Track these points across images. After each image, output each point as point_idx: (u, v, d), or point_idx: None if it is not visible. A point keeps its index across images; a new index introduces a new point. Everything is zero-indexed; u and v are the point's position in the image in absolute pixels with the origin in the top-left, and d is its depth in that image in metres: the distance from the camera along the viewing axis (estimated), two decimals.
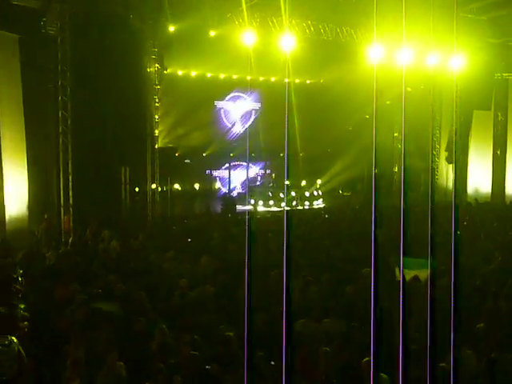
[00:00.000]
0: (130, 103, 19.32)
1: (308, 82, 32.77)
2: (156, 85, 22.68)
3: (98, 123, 18.38)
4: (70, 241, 15.54)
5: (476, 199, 27.23)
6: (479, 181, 31.04)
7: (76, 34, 17.57)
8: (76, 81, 17.75)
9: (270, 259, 12.08)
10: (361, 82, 31.82)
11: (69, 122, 17.74)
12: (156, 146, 22.96)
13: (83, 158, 17.96)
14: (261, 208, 26.53)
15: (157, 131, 23.16)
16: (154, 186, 23.74)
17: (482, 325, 7.44)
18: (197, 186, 30.58)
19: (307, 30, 22.14)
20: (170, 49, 23.48)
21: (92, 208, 17.38)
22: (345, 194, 28.28)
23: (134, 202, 23.77)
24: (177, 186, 29.92)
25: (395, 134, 32.48)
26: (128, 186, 22.13)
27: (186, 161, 30.31)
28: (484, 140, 30.69)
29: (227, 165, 31.32)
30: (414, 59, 28.09)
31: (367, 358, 6.19)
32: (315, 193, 31.03)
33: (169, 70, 27.18)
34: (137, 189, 24.18)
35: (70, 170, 17.72)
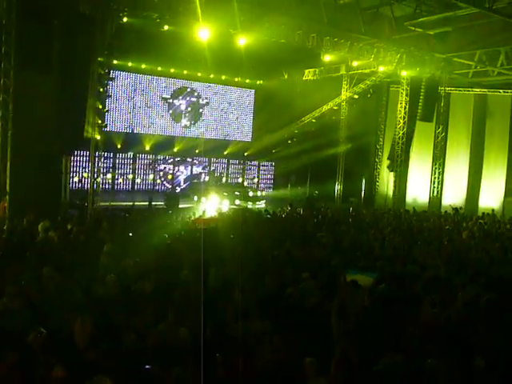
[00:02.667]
0: (74, 90, 18.82)
1: (258, 82, 32.91)
2: (104, 74, 22.19)
3: (40, 109, 17.79)
4: (5, 228, 15.00)
5: (414, 207, 28.01)
6: (418, 189, 31.97)
7: (22, 16, 16.95)
8: (20, 65, 17.13)
9: (212, 257, 12.07)
10: (309, 85, 32.52)
11: (10, 107, 17.11)
12: (98, 137, 22.44)
13: (23, 145, 17.35)
14: (206, 205, 26.42)
15: (100, 121, 22.63)
16: (99, 179, 23.29)
17: (412, 329, 7.60)
18: (138, 180, 30.16)
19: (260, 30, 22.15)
20: (121, 39, 23.10)
21: (30, 197, 16.81)
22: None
23: (74, 192, 23.28)
24: (119, 180, 29.48)
25: (340, 140, 33.03)
26: (68, 176, 21.63)
27: (129, 153, 29.83)
28: (425, 151, 31.66)
29: (172, 160, 31.08)
30: (364, 68, 28.77)
31: (310, 359, 6.27)
32: (259, 193, 31.22)
33: (119, 61, 26.78)
34: (76, 179, 23.70)
35: (8, 157, 17.10)
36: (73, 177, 24.95)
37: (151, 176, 30.74)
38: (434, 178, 31.39)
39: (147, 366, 5.54)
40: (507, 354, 6.94)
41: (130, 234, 15.38)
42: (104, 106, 22.98)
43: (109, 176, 28.90)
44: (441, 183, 31.52)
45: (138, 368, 6.06)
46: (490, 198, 30.02)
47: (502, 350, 7.06)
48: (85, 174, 23.03)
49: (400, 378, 6.27)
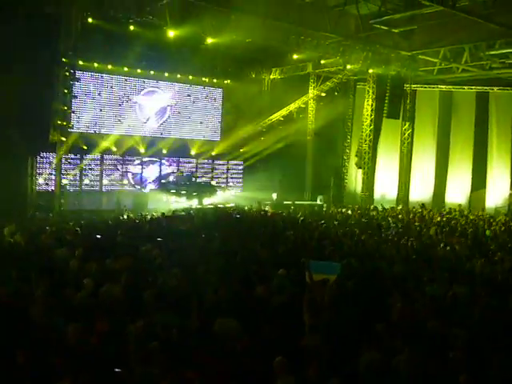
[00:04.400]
0: (38, 91, 18.54)
1: (226, 82, 32.86)
2: (69, 75, 21.89)
3: (4, 110, 17.50)
4: None
5: (382, 204, 28.34)
6: (386, 186, 32.34)
7: None
8: None
9: (183, 258, 12.04)
10: (276, 84, 32.62)
11: None
12: (64, 138, 22.14)
13: None
14: (174, 205, 26.29)
15: (65, 122, 22.32)
16: (64, 181, 22.98)
17: (381, 325, 7.70)
18: (105, 181, 29.83)
19: (227, 30, 22.13)
20: (87, 40, 22.80)
21: None
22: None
23: (40, 194, 22.94)
24: (86, 181, 29.12)
25: (308, 138, 33.22)
26: (35, 178, 21.32)
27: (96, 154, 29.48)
28: (392, 148, 32.04)
29: (140, 160, 30.82)
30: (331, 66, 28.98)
31: (279, 358, 6.29)
32: (227, 192, 31.18)
33: (84, 62, 26.46)
34: (40, 180, 23.34)
35: None
36: (39, 179, 24.49)
37: (118, 177, 30.41)
38: (402, 174, 31.83)
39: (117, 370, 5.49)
40: (475, 346, 7.10)
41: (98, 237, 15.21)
42: (69, 107, 22.70)
43: (75, 177, 28.50)
44: (408, 180, 31.97)
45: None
46: (457, 194, 30.52)
47: (470, 342, 7.22)
48: (63, 180, 22.59)
49: (378, 376, 6.35)
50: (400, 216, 24.56)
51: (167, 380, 5.94)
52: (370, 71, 28.19)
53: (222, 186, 32.35)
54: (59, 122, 21.79)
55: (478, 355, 6.86)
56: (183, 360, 6.30)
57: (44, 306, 8.14)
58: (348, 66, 28.03)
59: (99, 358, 6.40)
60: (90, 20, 21.17)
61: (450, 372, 6.28)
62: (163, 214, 20.89)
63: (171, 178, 30.35)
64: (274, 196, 27.38)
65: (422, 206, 27.28)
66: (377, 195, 32.20)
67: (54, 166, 23.94)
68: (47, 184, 26.41)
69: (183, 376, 6.02)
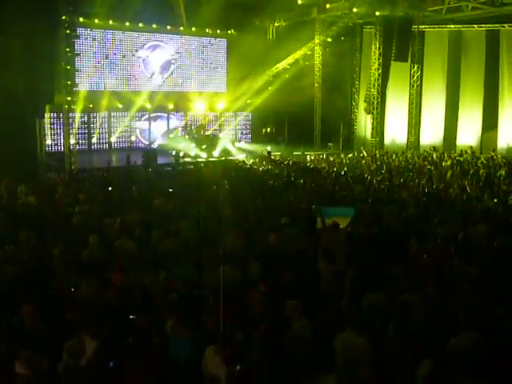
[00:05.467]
0: (41, 51, 18.31)
1: (230, 32, 32.32)
2: (70, 33, 21.60)
3: (8, 73, 17.34)
4: None
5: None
6: (396, 131, 32.06)
7: None
8: None
9: (192, 210, 12.10)
10: (281, 31, 32.03)
11: None
12: (69, 98, 22.04)
13: None
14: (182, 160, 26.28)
15: (70, 81, 22.16)
16: (72, 140, 22.98)
17: (398, 269, 7.75)
18: (113, 138, 29.82)
19: None
20: None
21: (5, 161, 16.56)
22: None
23: (49, 154, 23.00)
24: (94, 140, 29.16)
25: (315, 85, 32.81)
26: (43, 139, 21.31)
27: (102, 112, 29.36)
28: (401, 91, 31.58)
29: (147, 116, 30.70)
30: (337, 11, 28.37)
31: (292, 302, 6.37)
32: (237, 144, 31.04)
33: (85, 19, 26.10)
34: (49, 141, 23.34)
35: None
36: (47, 139, 24.54)
37: (127, 134, 30.38)
38: (411, 118, 31.49)
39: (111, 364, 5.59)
40: (482, 285, 7.14)
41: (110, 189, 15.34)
42: (73, 66, 22.51)
43: (84, 136, 28.51)
44: (418, 123, 31.63)
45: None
46: (468, 135, 30.17)
47: (478, 282, 7.26)
48: (71, 140, 22.62)
49: (381, 314, 6.42)
50: (411, 160, 24.39)
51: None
52: (377, 13, 27.51)
53: (231, 138, 32.19)
54: (64, 82, 21.65)
55: (491, 292, 6.91)
56: (200, 309, 6.38)
57: (61, 263, 8.28)
58: (354, 9, 27.39)
59: (115, 311, 6.51)
60: None
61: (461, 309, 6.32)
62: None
63: (179, 133, 30.20)
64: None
65: (434, 149, 27.03)
66: (387, 140, 31.95)
67: (61, 125, 23.97)
68: (56, 144, 26.52)
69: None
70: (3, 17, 16.69)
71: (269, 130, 33.44)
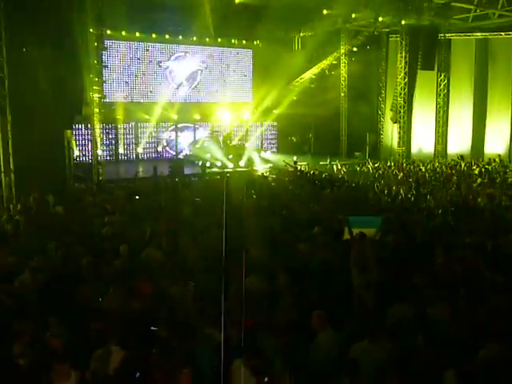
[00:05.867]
0: (69, 64, 18.62)
1: (255, 43, 32.50)
2: (97, 45, 21.96)
3: (36, 85, 17.67)
4: (11, 207, 15.09)
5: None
6: (422, 140, 31.78)
7: None
8: (11, 41, 16.96)
9: (218, 220, 12.13)
10: (307, 41, 32.07)
11: (6, 84, 17.01)
12: (97, 110, 22.38)
13: (23, 122, 17.30)
14: (209, 170, 26.42)
15: (97, 95, 22.50)
16: (100, 151, 23.28)
17: (419, 277, 7.66)
18: (140, 149, 30.12)
19: None
20: (113, 9, 22.79)
21: (35, 173, 16.84)
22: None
23: (77, 166, 23.31)
24: (121, 150, 29.49)
25: (342, 95, 32.75)
26: (72, 150, 21.63)
27: (130, 123, 29.69)
28: (428, 100, 31.32)
29: (173, 127, 30.95)
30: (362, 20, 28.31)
31: (318, 311, 6.34)
32: (263, 154, 31.01)
33: (112, 31, 26.51)
34: (76, 152, 23.64)
35: (9, 135, 17.08)
36: (75, 151, 24.91)
37: (154, 145, 30.69)
38: (438, 127, 31.20)
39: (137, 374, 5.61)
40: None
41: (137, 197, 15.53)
42: (100, 78, 22.84)
43: (111, 147, 28.88)
44: (445, 132, 31.31)
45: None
46: (496, 144, 29.76)
47: (508, 292, 7.14)
48: (98, 151, 22.98)
49: (408, 325, 6.34)
50: (438, 169, 24.14)
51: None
52: (403, 22, 27.37)
53: (257, 147, 32.24)
54: (92, 93, 21.99)
55: None
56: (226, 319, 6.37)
57: (90, 273, 8.38)
58: (379, 19, 27.29)
59: (143, 321, 6.55)
60: None
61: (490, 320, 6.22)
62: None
63: (205, 144, 30.36)
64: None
65: (461, 157, 26.72)
66: (414, 149, 31.69)
67: (89, 137, 24.34)
68: (84, 155, 26.89)
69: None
70: (33, 29, 17.02)
71: (294, 139, 33.41)
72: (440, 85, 30.61)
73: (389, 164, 26.73)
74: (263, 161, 28.79)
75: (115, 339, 5.94)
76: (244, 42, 32.46)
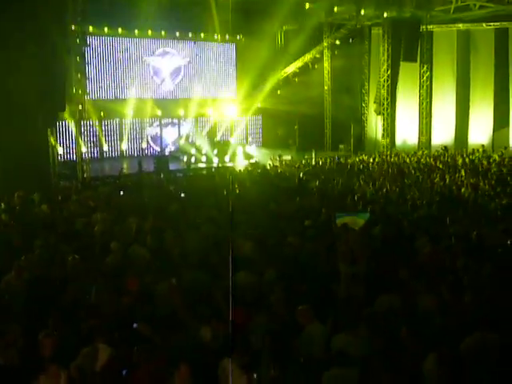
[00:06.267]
0: (51, 61, 18.47)
1: (238, 37, 32.46)
2: (80, 42, 21.77)
3: (20, 84, 17.50)
4: None
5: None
6: (407, 131, 31.95)
7: None
8: None
9: (205, 216, 12.14)
10: (290, 35, 32.07)
11: None
12: (80, 107, 22.22)
13: (6, 121, 17.15)
14: (194, 165, 26.39)
15: (80, 92, 22.35)
16: (84, 148, 23.13)
17: (405, 271, 7.71)
18: (124, 146, 29.96)
19: None
20: (94, 5, 22.61)
21: (19, 171, 16.72)
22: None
23: (62, 164, 23.17)
24: (105, 148, 29.32)
25: (325, 88, 32.81)
26: (55, 149, 21.50)
27: (113, 119, 29.52)
28: (411, 92, 31.49)
29: (158, 123, 30.83)
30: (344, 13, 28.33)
31: (303, 306, 6.36)
32: (249, 150, 30.98)
33: (94, 28, 26.33)
34: (60, 150, 23.49)
35: None
36: (63, 148, 24.83)
37: (139, 141, 30.55)
38: (422, 118, 31.38)
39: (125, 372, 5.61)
40: (495, 288, 7.10)
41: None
42: (83, 75, 22.68)
43: (95, 144, 28.67)
44: (429, 124, 31.50)
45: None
46: (480, 134, 30.02)
47: (490, 284, 7.23)
48: (82, 148, 22.89)
49: (396, 317, 6.40)
50: (422, 160, 24.30)
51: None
52: (385, 15, 27.47)
53: (242, 142, 32.21)
54: (75, 90, 21.83)
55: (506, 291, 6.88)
56: (214, 314, 6.38)
57: (75, 271, 8.35)
58: (361, 12, 27.36)
59: (131, 318, 6.54)
60: None
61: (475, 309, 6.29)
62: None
63: (190, 139, 30.27)
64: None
65: (445, 148, 26.91)
66: (398, 141, 31.85)
67: (72, 134, 24.20)
68: (68, 153, 26.71)
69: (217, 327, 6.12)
70: (12, 27, 16.86)
71: (279, 132, 33.42)
72: (423, 76, 30.77)
73: (373, 156, 26.85)
74: (248, 155, 28.77)
75: (102, 337, 5.94)
76: (227, 36, 32.36)
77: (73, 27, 21.14)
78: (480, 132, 30.09)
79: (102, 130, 28.97)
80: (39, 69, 17.91)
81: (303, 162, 24.99)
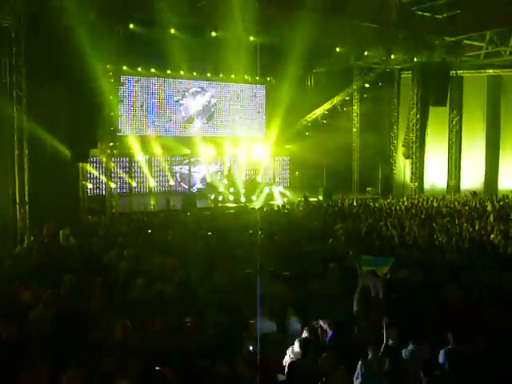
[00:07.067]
0: (87, 99, 18.95)
1: (268, 78, 32.96)
2: (114, 80, 22.32)
3: (53, 118, 17.97)
4: (25, 239, 15.17)
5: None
6: (435, 175, 31.71)
7: (31, 27, 17.13)
8: (31, 76, 17.34)
9: (230, 255, 12.13)
10: (319, 77, 32.42)
11: (24, 118, 17.32)
12: (111, 144, 22.65)
13: (39, 155, 17.55)
14: (221, 204, 26.48)
15: (112, 128, 22.80)
16: (113, 184, 23.46)
17: (435, 317, 7.55)
18: (152, 182, 30.29)
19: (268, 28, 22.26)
20: (129, 45, 23.25)
21: (49, 205, 17.01)
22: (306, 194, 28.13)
23: (91, 198, 23.46)
24: (134, 184, 29.68)
25: (354, 130, 32.92)
26: (85, 183, 21.84)
27: (143, 156, 29.97)
28: (440, 136, 31.35)
29: (186, 161, 31.17)
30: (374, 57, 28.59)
31: (327, 353, 6.23)
32: (276, 190, 31.00)
33: (128, 67, 27.03)
34: (89, 185, 23.83)
35: (25, 167, 17.32)
36: (92, 183, 25.22)
37: (167, 178, 30.89)
38: (451, 162, 31.15)
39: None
40: None
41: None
42: (116, 112, 23.14)
43: (124, 180, 29.06)
44: (458, 168, 31.24)
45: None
46: (510, 180, 29.59)
47: None
48: (104, 179, 23.29)
49: (422, 363, 6.24)
50: (451, 205, 24.00)
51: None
52: (415, 60, 27.63)
53: (269, 182, 32.31)
54: (107, 127, 22.26)
55: None
56: (234, 356, 6.32)
57: (100, 306, 8.37)
58: (391, 56, 27.56)
59: (155, 356, 6.50)
60: (131, 26, 21.51)
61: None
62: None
63: (218, 178, 30.50)
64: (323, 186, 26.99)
65: (474, 193, 26.57)
66: (426, 185, 31.59)
67: (103, 170, 24.58)
68: (98, 188, 27.08)
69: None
70: (48, 65, 17.37)
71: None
72: (452, 121, 30.67)
73: (401, 199, 26.63)
74: (275, 195, 28.81)
75: (125, 375, 5.90)
76: (257, 78, 32.85)
77: (108, 66, 21.70)
78: (510, 178, 29.68)
79: (131, 167, 29.40)
80: (74, 105, 18.40)
81: (330, 203, 24.87)
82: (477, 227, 17.13)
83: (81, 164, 20.32)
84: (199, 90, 31.88)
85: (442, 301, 8.80)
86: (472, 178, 30.74)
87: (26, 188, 17.35)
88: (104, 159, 23.44)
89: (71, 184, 19.55)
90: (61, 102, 18.19)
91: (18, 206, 17.38)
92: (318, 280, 9.75)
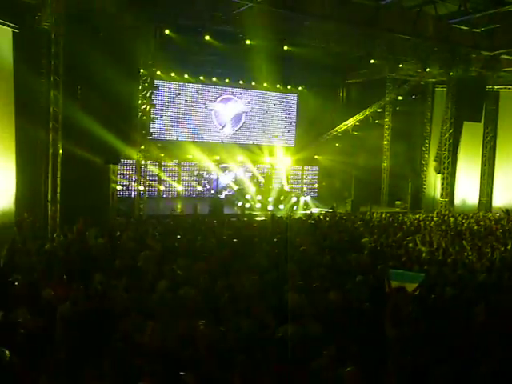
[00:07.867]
0: (121, 102, 19.18)
1: (300, 88, 32.94)
2: (148, 84, 22.57)
3: (88, 120, 18.22)
4: (55, 237, 15.37)
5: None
6: (467, 192, 31.23)
7: (70, 29, 17.41)
8: (68, 77, 17.62)
9: (255, 263, 12.09)
10: (352, 88, 32.30)
11: (60, 118, 17.59)
12: (143, 147, 22.90)
13: (72, 155, 17.80)
14: (248, 211, 26.49)
15: (144, 131, 23.06)
16: (142, 187, 23.69)
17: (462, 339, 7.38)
18: (180, 187, 30.51)
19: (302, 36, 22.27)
20: (164, 51, 23.52)
21: (79, 205, 17.23)
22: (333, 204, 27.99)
23: (120, 200, 23.73)
24: (163, 188, 29.94)
25: (385, 143, 32.68)
26: (115, 185, 22.09)
27: (173, 161, 30.20)
28: (473, 152, 30.89)
29: (216, 167, 31.30)
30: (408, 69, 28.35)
31: (351, 368, 6.13)
32: (304, 200, 30.91)
33: (162, 72, 27.33)
34: (118, 187, 24.09)
35: (58, 166, 17.57)
36: (119, 185, 25.47)
37: (196, 183, 31.08)
38: (483, 179, 30.66)
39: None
40: None
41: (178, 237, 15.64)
42: (148, 116, 23.41)
43: (153, 184, 29.33)
44: (490, 185, 30.74)
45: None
46: None
47: None
48: (140, 187, 23.60)
49: None
50: (482, 223, 23.59)
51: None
52: (450, 74, 27.30)
53: (298, 192, 32.25)
54: (139, 131, 22.52)
55: None
56: (257, 368, 6.26)
57: (126, 307, 8.40)
58: (427, 69, 27.30)
59: (178, 360, 6.49)
60: (166, 31, 21.76)
61: None
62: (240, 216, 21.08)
63: (246, 185, 30.54)
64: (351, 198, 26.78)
65: (507, 211, 26.08)
66: (457, 201, 31.13)
67: (133, 172, 24.89)
68: (127, 190, 27.40)
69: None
70: (83, 69, 17.64)
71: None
72: (487, 137, 30.23)
73: (431, 215, 26.28)
74: (302, 205, 28.72)
75: (150, 377, 5.89)
76: (289, 87, 32.88)
77: (142, 70, 21.96)
78: None
79: (161, 170, 29.66)
80: (106, 108, 18.62)
81: (357, 215, 24.69)
82: (509, 246, 16.78)
83: (112, 166, 20.53)
84: (231, 97, 32.02)
85: (471, 319, 8.62)
86: (505, 196, 30.19)
87: (58, 188, 17.58)
88: (134, 162, 23.71)
89: (102, 185, 19.79)
90: (94, 105, 18.42)
91: (49, 204, 17.62)
92: (340, 292, 9.61)
